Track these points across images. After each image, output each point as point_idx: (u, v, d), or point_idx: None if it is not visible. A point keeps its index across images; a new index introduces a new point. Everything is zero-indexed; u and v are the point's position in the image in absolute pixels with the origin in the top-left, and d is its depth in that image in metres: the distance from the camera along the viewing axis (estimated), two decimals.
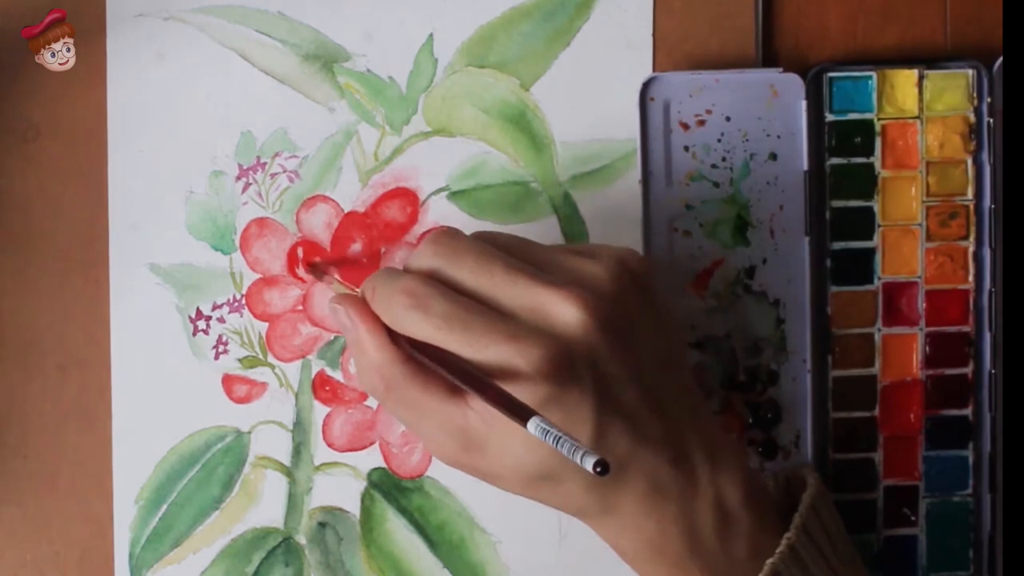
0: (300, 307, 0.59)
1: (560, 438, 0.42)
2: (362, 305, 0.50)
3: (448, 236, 0.50)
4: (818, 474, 0.55)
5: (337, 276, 0.57)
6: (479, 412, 0.48)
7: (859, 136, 0.59)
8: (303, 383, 0.59)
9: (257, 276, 0.59)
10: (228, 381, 0.59)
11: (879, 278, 0.59)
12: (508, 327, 0.47)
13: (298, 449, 0.59)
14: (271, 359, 0.59)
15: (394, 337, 0.49)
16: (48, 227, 0.58)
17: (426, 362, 0.48)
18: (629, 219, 0.58)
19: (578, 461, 0.42)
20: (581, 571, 0.59)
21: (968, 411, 0.59)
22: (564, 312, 0.47)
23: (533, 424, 0.43)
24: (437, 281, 0.48)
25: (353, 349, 0.50)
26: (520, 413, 0.44)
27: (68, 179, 0.58)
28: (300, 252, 0.59)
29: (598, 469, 0.41)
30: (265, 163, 0.59)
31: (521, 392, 0.46)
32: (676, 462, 0.49)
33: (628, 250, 0.51)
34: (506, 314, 0.48)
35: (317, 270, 0.58)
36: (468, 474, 0.50)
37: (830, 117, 0.59)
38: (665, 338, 0.51)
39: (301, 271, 0.59)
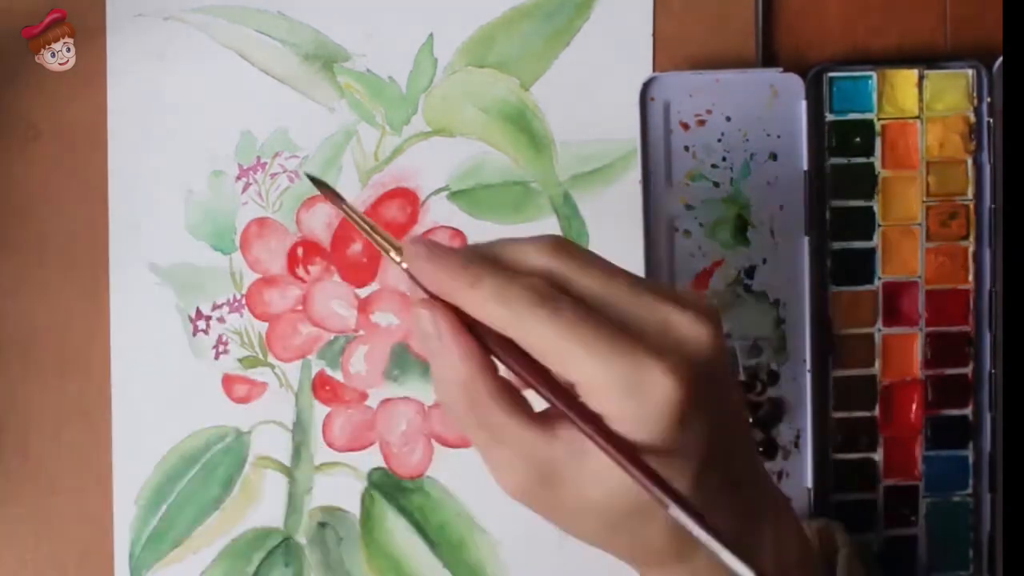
0: (300, 307, 0.59)
1: (707, 538, 0.41)
2: (451, 311, 0.44)
3: (566, 241, 0.45)
4: (847, 536, 0.53)
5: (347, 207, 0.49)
6: (567, 442, 0.43)
7: (859, 136, 0.59)
8: (303, 383, 0.59)
9: (257, 276, 0.59)
10: (228, 381, 0.59)
11: (879, 278, 0.59)
12: (640, 339, 0.43)
13: (298, 449, 0.59)
14: (271, 359, 0.59)
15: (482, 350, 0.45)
16: (48, 227, 0.58)
17: (526, 377, 0.44)
18: (629, 219, 0.58)
19: (729, 563, 0.40)
20: (581, 571, 0.59)
21: (968, 411, 0.59)
22: (696, 330, 0.43)
23: (676, 510, 0.41)
24: (558, 285, 0.44)
25: (435, 360, 0.45)
26: (621, 446, 0.42)
27: (68, 179, 0.58)
28: (300, 252, 0.59)
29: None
30: (265, 163, 0.59)
31: (650, 408, 0.42)
32: (750, 514, 0.46)
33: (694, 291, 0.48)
34: (632, 328, 0.43)
35: (331, 192, 0.49)
36: (537, 512, 0.46)
37: (830, 117, 0.59)
38: (738, 388, 0.49)
39: (301, 271, 0.59)
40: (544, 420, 0.44)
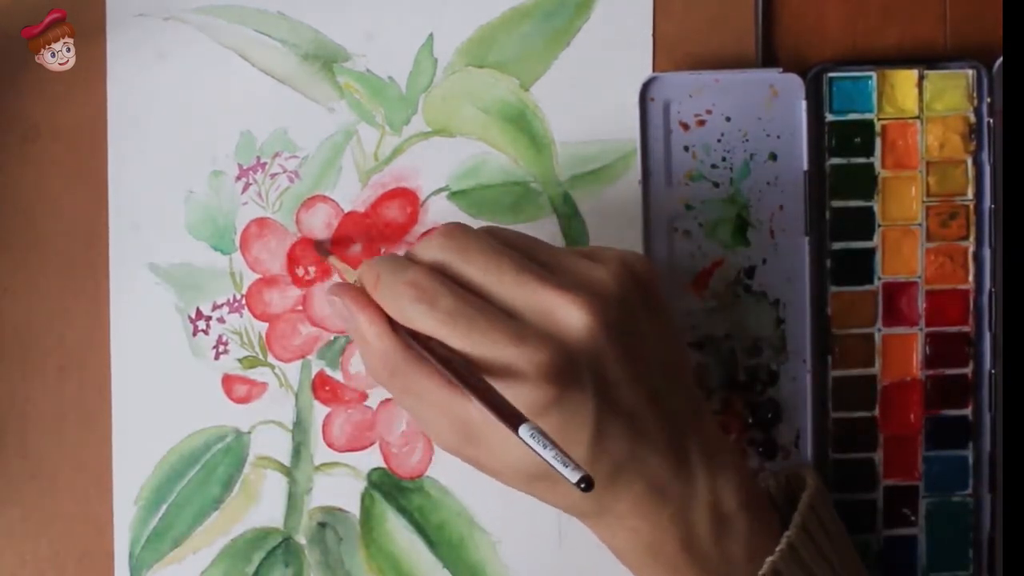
0: (300, 307, 0.59)
1: (548, 447, 0.43)
2: (360, 294, 0.50)
3: (459, 230, 0.50)
4: (817, 473, 0.55)
5: (336, 259, 0.56)
6: (479, 406, 0.47)
7: (859, 136, 0.59)
8: (303, 383, 0.59)
9: (257, 276, 0.59)
10: (228, 381, 0.59)
11: (879, 278, 0.59)
12: (513, 328, 0.47)
13: (298, 449, 0.59)
14: (271, 359, 0.59)
15: (395, 325, 0.49)
16: (48, 227, 0.58)
17: (423, 354, 0.48)
18: (629, 219, 0.58)
19: (565, 474, 0.42)
20: (581, 571, 0.59)
21: (968, 411, 0.59)
22: (570, 316, 0.47)
23: (524, 430, 0.43)
24: (443, 275, 0.48)
25: (355, 337, 0.50)
26: (512, 418, 0.44)
27: (68, 179, 0.58)
28: (300, 252, 0.59)
29: (582, 485, 0.42)
30: (265, 163, 0.59)
31: (523, 393, 0.46)
32: (674, 465, 0.49)
33: (633, 253, 0.51)
34: (511, 314, 0.48)
35: (321, 248, 0.58)
36: (471, 466, 0.50)
37: (830, 117, 0.59)
38: (668, 342, 0.51)
39: (300, 271, 0.59)
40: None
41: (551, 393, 0.46)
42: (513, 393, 0.46)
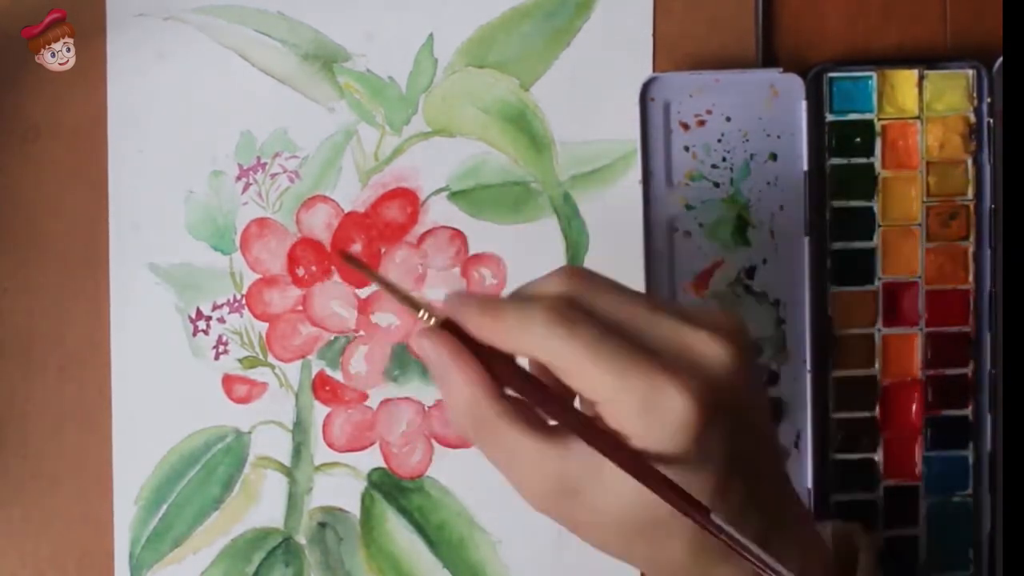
0: (300, 307, 0.59)
1: (748, 545, 0.41)
2: (451, 340, 0.45)
3: (581, 269, 0.46)
4: (867, 535, 0.52)
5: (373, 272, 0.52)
6: (580, 455, 0.44)
7: (859, 136, 0.59)
8: (303, 383, 0.59)
9: (257, 276, 0.59)
10: (228, 381, 0.59)
11: (879, 278, 0.59)
12: (657, 359, 0.43)
13: (298, 449, 0.59)
14: (271, 359, 0.59)
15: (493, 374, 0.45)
16: (48, 227, 0.58)
17: (528, 400, 0.45)
18: (629, 219, 0.58)
19: (766, 560, 0.41)
20: (581, 571, 0.59)
21: (968, 411, 0.59)
22: (713, 350, 0.44)
23: (719, 517, 0.42)
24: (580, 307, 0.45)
25: (440, 384, 0.46)
26: (634, 461, 0.42)
27: (68, 179, 0.58)
28: (300, 252, 0.59)
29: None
30: (265, 163, 0.59)
31: (665, 429, 0.43)
32: (775, 524, 0.46)
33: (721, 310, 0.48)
34: (651, 348, 0.44)
35: (354, 261, 0.53)
36: (561, 523, 0.46)
37: (830, 117, 0.59)
38: (767, 396, 0.49)
39: (301, 271, 0.59)
40: (557, 434, 0.44)
41: (696, 429, 0.43)
42: (654, 428, 0.43)
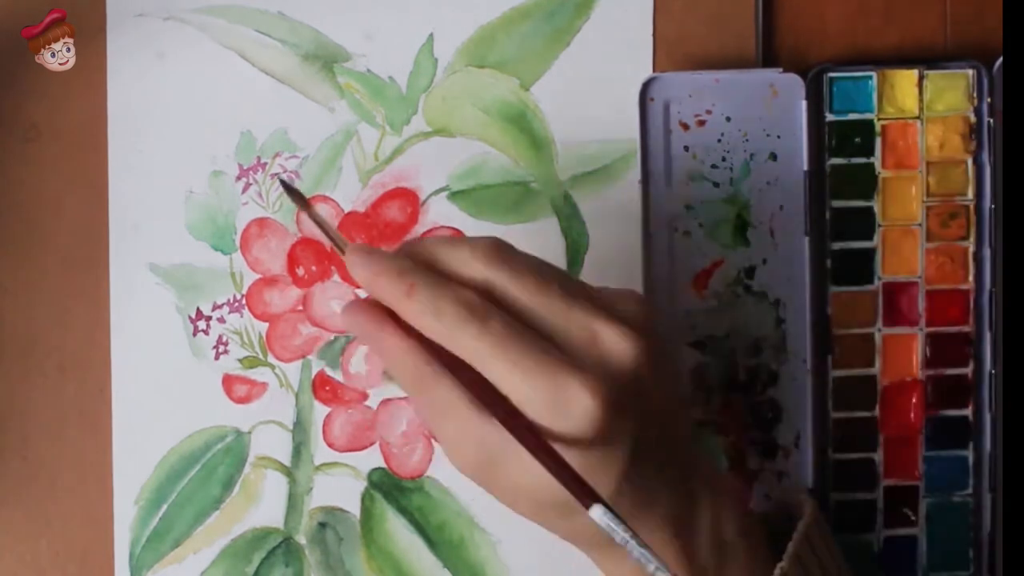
0: (300, 307, 0.59)
1: (627, 540, 0.43)
2: (381, 312, 0.47)
3: (504, 248, 0.47)
4: (815, 502, 0.55)
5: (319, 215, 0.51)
6: (501, 428, 0.46)
7: (859, 136, 0.59)
8: (303, 383, 0.59)
9: (257, 276, 0.59)
10: (228, 381, 0.59)
11: (879, 278, 0.59)
12: (563, 355, 0.45)
13: (298, 449, 0.59)
14: (271, 359, 0.59)
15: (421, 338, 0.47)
16: (48, 227, 0.58)
17: (448, 376, 0.46)
18: (629, 219, 0.58)
19: (637, 557, 0.43)
20: (581, 571, 0.59)
21: (968, 411, 0.59)
22: (619, 344, 0.46)
23: (597, 512, 0.43)
24: (493, 296, 0.46)
25: (374, 352, 0.48)
26: (581, 490, 0.44)
27: (68, 179, 0.58)
28: (300, 252, 0.59)
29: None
30: (265, 163, 0.59)
31: (570, 422, 0.45)
32: (684, 496, 0.49)
33: (633, 292, 0.49)
34: (557, 340, 0.46)
35: (299, 198, 0.51)
36: (484, 490, 0.48)
37: (830, 117, 0.59)
38: (675, 374, 0.51)
39: (301, 271, 0.59)
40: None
41: (601, 423, 0.45)
42: (561, 423, 0.45)
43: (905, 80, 0.59)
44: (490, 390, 0.45)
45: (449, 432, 0.47)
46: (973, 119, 0.59)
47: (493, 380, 0.45)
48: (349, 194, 0.59)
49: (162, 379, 0.58)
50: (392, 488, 0.59)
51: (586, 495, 0.44)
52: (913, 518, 0.59)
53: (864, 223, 0.59)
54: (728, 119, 0.58)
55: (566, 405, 0.45)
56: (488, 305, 0.45)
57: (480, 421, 0.46)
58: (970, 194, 0.59)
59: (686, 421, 0.51)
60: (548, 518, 0.48)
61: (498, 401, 0.45)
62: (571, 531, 0.49)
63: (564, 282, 0.47)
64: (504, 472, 0.46)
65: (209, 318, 0.59)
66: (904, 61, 0.59)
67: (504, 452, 0.46)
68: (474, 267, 0.47)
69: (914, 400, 0.59)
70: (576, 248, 0.59)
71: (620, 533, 0.43)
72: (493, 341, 0.45)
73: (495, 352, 0.45)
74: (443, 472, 0.59)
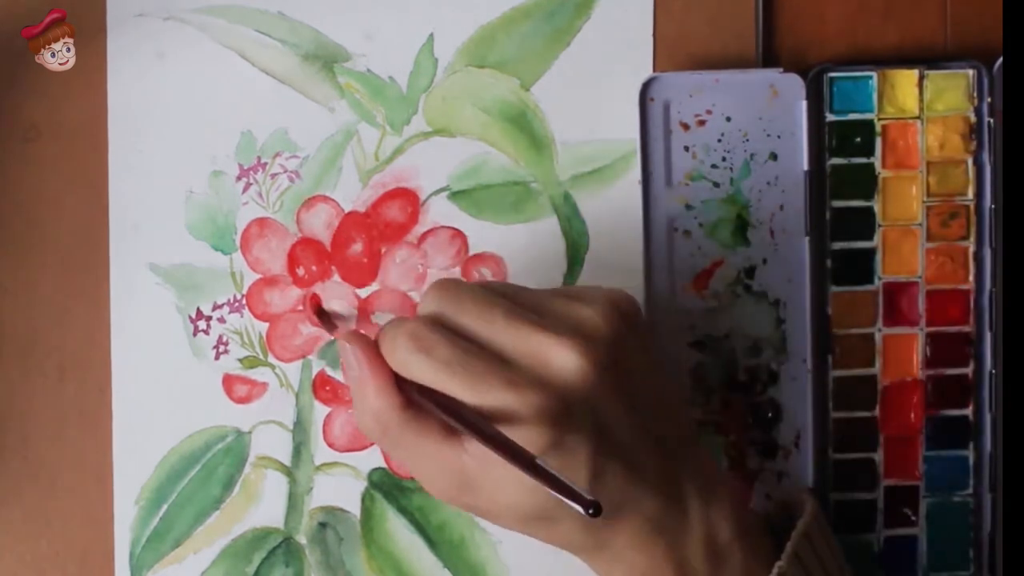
0: (300, 307, 0.59)
1: (554, 482, 0.44)
2: (370, 347, 0.50)
3: (451, 282, 0.51)
4: (815, 499, 0.55)
5: (349, 326, 0.58)
6: (474, 454, 0.48)
7: (859, 136, 0.59)
8: (303, 383, 0.59)
9: (257, 276, 0.59)
10: (228, 381, 0.59)
11: (879, 278, 0.59)
12: (508, 374, 0.48)
13: (298, 449, 0.59)
14: (271, 359, 0.59)
15: (399, 381, 0.50)
16: (48, 227, 0.58)
17: (427, 405, 0.49)
18: (629, 219, 0.58)
19: (573, 505, 0.43)
20: (581, 571, 0.59)
21: (968, 411, 0.59)
22: (562, 359, 0.48)
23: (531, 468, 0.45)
24: (441, 326, 0.49)
25: (353, 390, 0.51)
26: (519, 458, 0.45)
27: (68, 179, 0.58)
28: (300, 252, 0.59)
29: (590, 511, 0.43)
30: (265, 163, 0.59)
31: (520, 437, 0.46)
32: (669, 500, 0.50)
33: (618, 291, 0.51)
34: (507, 360, 0.48)
35: (326, 319, 0.58)
36: (467, 512, 0.51)
37: (830, 117, 0.59)
38: (658, 377, 0.52)
39: (301, 271, 0.59)
40: (454, 436, 0.49)
41: (548, 437, 0.47)
42: (516, 436, 0.46)
43: (905, 80, 0.59)
44: (463, 413, 0.48)
45: (424, 470, 0.50)
46: (973, 119, 0.59)
47: (455, 402, 0.48)
48: (349, 194, 0.59)
49: (162, 379, 0.58)
50: (392, 488, 0.59)
51: (518, 458, 0.45)
52: (913, 518, 0.59)
53: (864, 223, 0.59)
54: (728, 119, 0.58)
55: (513, 421, 0.47)
56: (435, 335, 0.48)
57: (451, 454, 0.49)
58: (970, 194, 0.59)
59: (680, 421, 0.52)
60: (533, 528, 0.50)
61: (474, 422, 0.47)
62: (558, 538, 0.51)
63: (511, 303, 0.49)
64: (483, 494, 0.49)
65: (209, 318, 0.59)
66: (904, 61, 0.59)
67: (480, 475, 0.49)
68: (426, 304, 0.50)
69: (914, 400, 0.59)
70: (576, 248, 0.59)
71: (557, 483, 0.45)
72: (439, 366, 0.48)
73: (443, 375, 0.48)
74: None
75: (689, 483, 0.51)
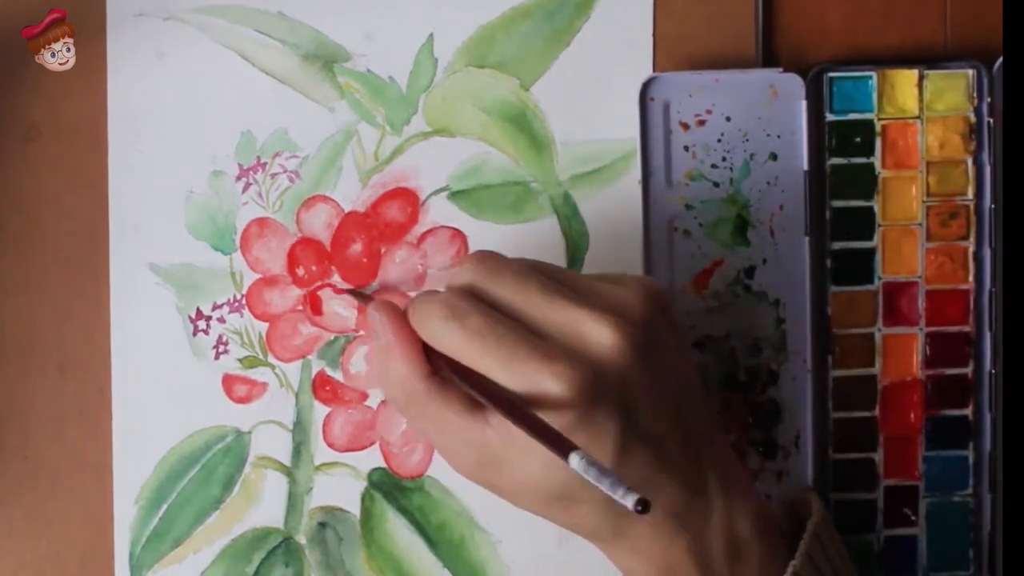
0: (300, 307, 0.59)
1: (600, 475, 0.42)
2: (399, 316, 0.50)
3: (490, 254, 0.50)
4: (820, 499, 0.55)
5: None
6: (497, 429, 0.48)
7: (859, 136, 0.59)
8: (303, 383, 0.59)
9: (257, 276, 0.59)
10: (228, 381, 0.59)
11: (879, 278, 0.59)
12: (542, 347, 0.47)
13: (298, 449, 0.59)
14: (271, 359, 0.59)
15: (428, 352, 0.49)
16: (48, 227, 0.58)
17: (456, 381, 0.48)
18: (629, 219, 0.58)
19: (619, 499, 0.42)
20: (581, 571, 0.59)
21: (968, 411, 0.59)
22: (599, 335, 0.47)
23: (575, 459, 0.43)
24: (475, 297, 0.49)
25: (379, 358, 0.50)
26: (559, 445, 0.44)
27: (68, 179, 0.58)
28: (300, 252, 0.59)
29: (639, 508, 0.42)
30: (265, 163, 0.59)
31: (549, 412, 0.46)
32: (692, 491, 0.49)
33: (651, 279, 0.51)
34: (540, 334, 0.48)
35: (360, 296, 0.58)
36: (487, 489, 0.50)
37: (830, 117, 0.59)
38: (686, 366, 0.51)
39: (301, 271, 0.59)
40: (479, 410, 0.48)
41: (578, 412, 0.46)
42: (540, 412, 0.46)
43: (905, 80, 0.59)
44: (489, 387, 0.47)
45: (447, 443, 0.49)
46: (973, 119, 0.59)
47: (483, 372, 0.47)
48: (349, 194, 0.59)
49: (162, 379, 0.58)
50: (392, 488, 0.59)
51: (557, 445, 0.44)
52: (913, 518, 0.59)
53: (864, 223, 0.59)
54: (728, 119, 0.58)
55: (541, 396, 0.46)
56: (469, 305, 0.48)
57: (475, 428, 0.48)
58: (970, 194, 0.59)
59: (704, 413, 0.51)
60: (552, 511, 0.49)
61: (500, 397, 0.47)
62: (576, 521, 0.49)
63: (547, 278, 0.49)
64: (505, 471, 0.48)
65: (209, 318, 0.59)
66: (904, 61, 0.59)
67: (503, 451, 0.48)
68: (461, 275, 0.49)
69: (914, 400, 0.59)
70: (576, 248, 0.59)
71: (601, 479, 0.43)
72: (470, 336, 0.47)
73: (474, 345, 0.47)
74: (443, 472, 0.59)
75: (712, 476, 0.50)
